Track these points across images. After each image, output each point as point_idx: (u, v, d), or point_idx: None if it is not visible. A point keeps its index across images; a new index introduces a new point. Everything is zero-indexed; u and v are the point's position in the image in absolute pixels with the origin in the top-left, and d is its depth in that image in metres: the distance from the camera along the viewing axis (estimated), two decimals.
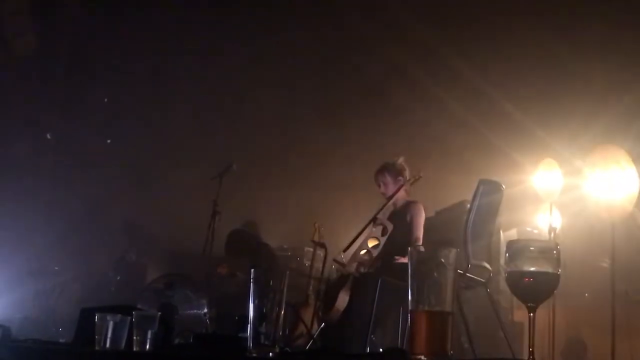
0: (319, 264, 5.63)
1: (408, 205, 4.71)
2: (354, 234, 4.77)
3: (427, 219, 4.72)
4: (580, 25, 6.41)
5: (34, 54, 7.44)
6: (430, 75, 6.90)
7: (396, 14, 7.07)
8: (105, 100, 8.08)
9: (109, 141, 8.09)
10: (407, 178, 4.79)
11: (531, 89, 6.71)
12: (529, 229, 6.31)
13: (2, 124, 7.22)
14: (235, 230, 6.37)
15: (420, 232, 4.58)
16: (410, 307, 1.57)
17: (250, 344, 1.78)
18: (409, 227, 4.62)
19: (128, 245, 7.23)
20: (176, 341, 2.44)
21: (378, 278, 4.02)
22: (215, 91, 7.81)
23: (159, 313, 2.09)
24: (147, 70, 7.67)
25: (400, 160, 4.85)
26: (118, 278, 6.92)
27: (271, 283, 1.82)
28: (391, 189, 4.76)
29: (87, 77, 7.91)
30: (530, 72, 6.73)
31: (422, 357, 1.53)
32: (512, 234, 6.08)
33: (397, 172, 4.80)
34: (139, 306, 2.21)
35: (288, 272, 1.86)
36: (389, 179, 4.78)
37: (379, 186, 4.83)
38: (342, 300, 4.70)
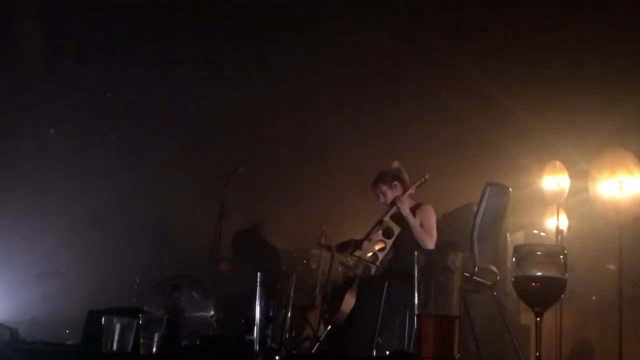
0: (325, 267, 5.64)
1: (415, 209, 4.71)
2: (361, 237, 4.78)
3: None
4: (588, 26, 6.39)
5: (41, 54, 7.48)
6: (437, 78, 6.89)
7: (404, 18, 7.08)
8: (109, 96, 8.10)
9: (112, 136, 8.11)
10: (406, 179, 4.79)
11: (538, 91, 6.69)
12: (536, 231, 6.29)
13: (8, 126, 7.25)
14: (242, 231, 6.36)
15: (433, 232, 4.57)
16: (416, 311, 1.57)
17: (256, 346, 1.78)
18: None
19: (141, 248, 7.23)
20: (183, 344, 2.44)
21: (384, 280, 4.01)
22: (223, 94, 7.82)
23: (166, 316, 2.09)
24: (154, 73, 7.68)
25: (395, 164, 4.86)
26: (136, 281, 6.92)
27: (278, 286, 1.82)
28: (390, 195, 4.77)
29: (92, 77, 7.92)
30: (537, 74, 6.72)
31: None
32: (519, 236, 6.06)
33: (391, 178, 4.80)
34: (145, 309, 2.22)
35: (294, 275, 1.86)
36: (383, 188, 4.80)
37: (378, 197, 4.85)
38: (349, 302, 4.70)
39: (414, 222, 4.56)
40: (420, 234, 4.53)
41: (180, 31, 7.72)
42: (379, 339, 4.14)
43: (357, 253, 4.72)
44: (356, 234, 5.04)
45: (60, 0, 7.62)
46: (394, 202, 4.69)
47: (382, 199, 4.83)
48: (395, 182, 4.78)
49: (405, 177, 4.82)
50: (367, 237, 4.77)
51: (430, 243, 4.52)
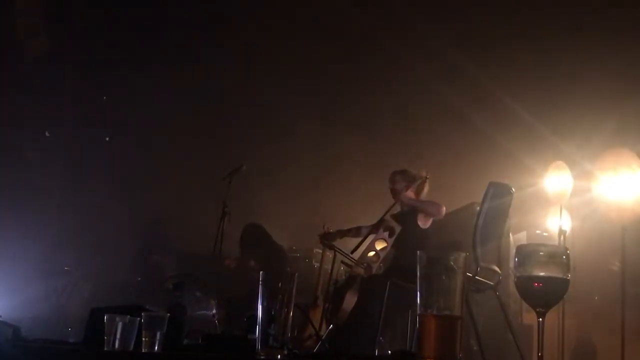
0: (327, 266, 5.63)
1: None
2: (349, 227, 4.81)
3: (436, 221, 4.72)
4: (590, 27, 6.38)
5: (45, 55, 7.48)
6: (440, 79, 6.89)
7: (407, 19, 7.08)
8: (107, 98, 8.11)
9: (107, 139, 8.14)
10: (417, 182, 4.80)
11: (541, 91, 6.69)
12: (538, 231, 6.28)
13: (12, 125, 7.26)
14: (252, 224, 6.36)
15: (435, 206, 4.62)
16: (418, 311, 1.56)
17: (258, 345, 1.78)
18: (419, 227, 4.64)
19: (144, 245, 7.23)
20: (185, 342, 2.44)
21: (387, 280, 4.01)
22: (225, 93, 7.83)
23: (168, 314, 2.09)
24: (157, 71, 7.69)
25: (421, 171, 4.87)
26: (139, 279, 6.93)
27: (280, 285, 1.82)
28: (396, 185, 4.80)
29: (96, 76, 7.93)
30: (541, 74, 6.71)
31: None
32: (522, 236, 6.05)
33: (408, 177, 4.82)
34: (148, 307, 2.22)
35: (297, 274, 1.86)
36: (397, 177, 4.84)
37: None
38: (351, 301, 4.70)
39: (416, 202, 4.62)
40: (426, 206, 4.59)
41: (180, 31, 7.72)
42: (380, 338, 4.14)
43: (355, 254, 4.75)
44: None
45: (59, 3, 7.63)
46: (396, 197, 4.71)
47: (390, 185, 4.86)
48: (411, 178, 4.80)
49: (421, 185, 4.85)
50: (367, 236, 4.77)
51: (438, 209, 4.58)
